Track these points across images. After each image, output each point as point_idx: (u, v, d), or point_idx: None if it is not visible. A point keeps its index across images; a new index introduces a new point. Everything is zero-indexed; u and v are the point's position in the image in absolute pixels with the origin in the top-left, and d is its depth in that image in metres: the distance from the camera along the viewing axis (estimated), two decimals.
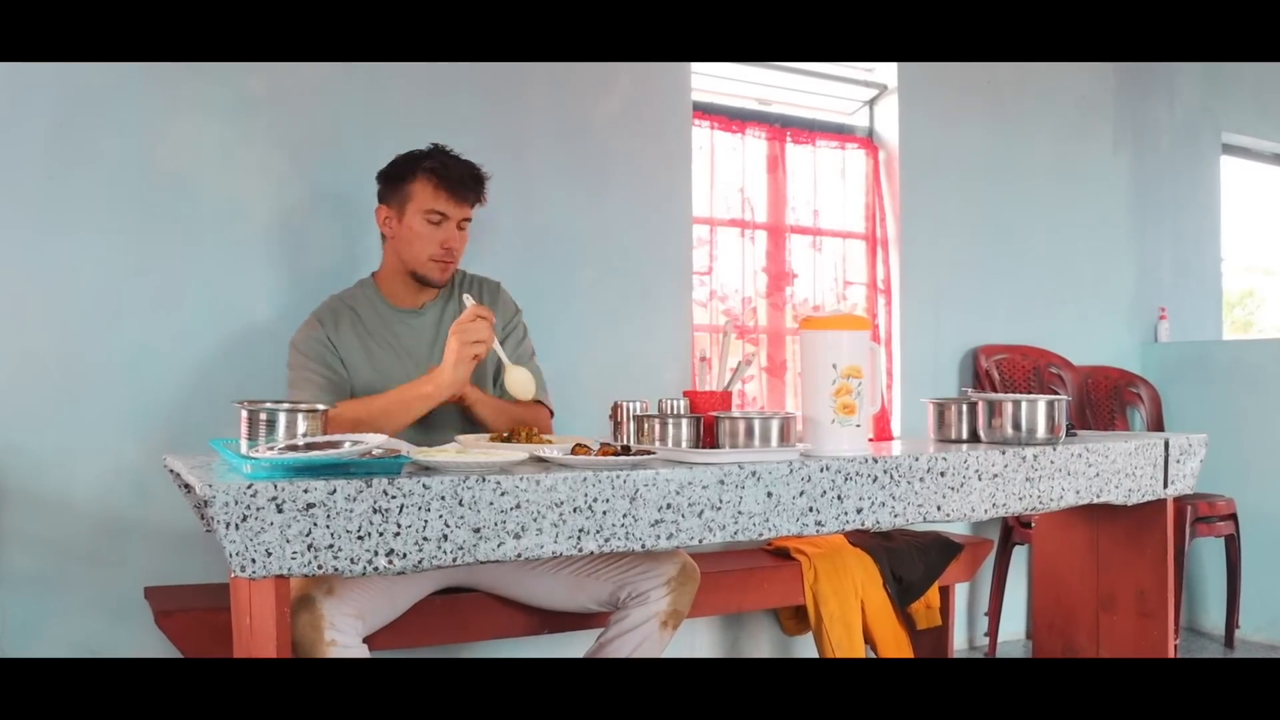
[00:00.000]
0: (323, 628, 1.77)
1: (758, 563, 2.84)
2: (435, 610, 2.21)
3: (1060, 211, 3.95)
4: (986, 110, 3.77)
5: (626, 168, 3.06)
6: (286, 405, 1.72)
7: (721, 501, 1.74)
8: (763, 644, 3.28)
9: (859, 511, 1.88)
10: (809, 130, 3.52)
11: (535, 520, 1.59)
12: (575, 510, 1.62)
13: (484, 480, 1.56)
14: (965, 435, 2.30)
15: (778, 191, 3.45)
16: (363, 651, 1.84)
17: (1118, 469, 2.24)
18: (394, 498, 1.50)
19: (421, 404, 2.06)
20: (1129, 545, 2.46)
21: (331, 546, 1.46)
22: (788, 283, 3.45)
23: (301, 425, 1.71)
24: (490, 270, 2.45)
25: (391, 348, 2.25)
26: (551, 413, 2.35)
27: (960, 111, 3.71)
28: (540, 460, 1.75)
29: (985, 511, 2.05)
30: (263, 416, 1.70)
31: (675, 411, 1.99)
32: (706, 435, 1.94)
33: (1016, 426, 2.18)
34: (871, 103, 3.67)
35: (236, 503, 1.41)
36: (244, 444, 1.70)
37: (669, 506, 1.69)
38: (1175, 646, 2.66)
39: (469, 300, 2.10)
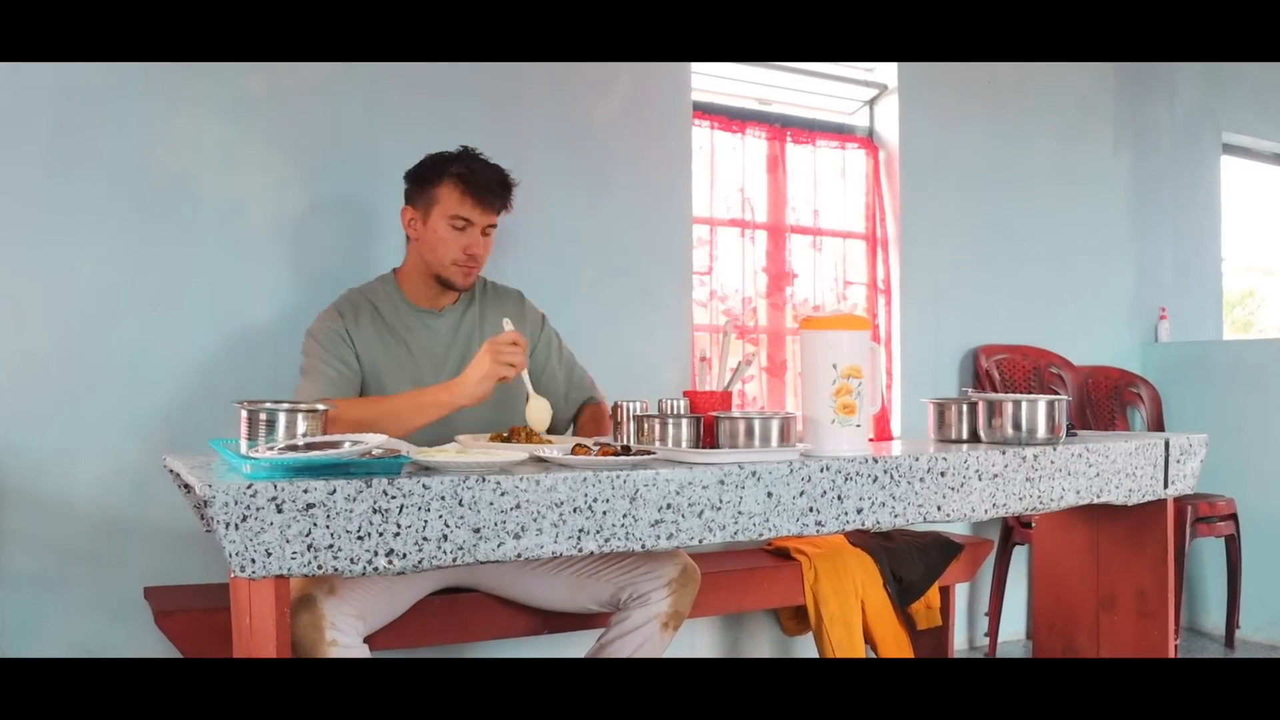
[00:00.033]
0: (323, 628, 1.77)
1: (758, 563, 2.84)
2: (435, 610, 2.21)
3: (1060, 211, 3.95)
4: (987, 110, 3.77)
5: (626, 168, 3.06)
6: (286, 405, 1.72)
7: (721, 501, 1.74)
8: (763, 644, 3.28)
9: (859, 511, 1.88)
10: (809, 130, 3.52)
11: (535, 520, 1.59)
12: (575, 510, 1.62)
13: (484, 480, 1.56)
14: (965, 435, 2.30)
15: (778, 191, 3.45)
16: (363, 651, 1.84)
17: (1118, 469, 2.24)
18: (394, 498, 1.50)
19: (436, 411, 2.04)
20: (1129, 545, 2.46)
21: (331, 546, 1.46)
22: (788, 283, 3.45)
23: (301, 425, 1.71)
24: (490, 270, 2.45)
25: (408, 346, 2.23)
26: (604, 399, 2.41)
27: (960, 111, 3.71)
28: (540, 460, 1.75)
29: (985, 512, 2.05)
30: (262, 416, 1.70)
31: (675, 411, 1.99)
32: (706, 435, 1.94)
33: (1017, 426, 2.18)
34: (872, 103, 3.66)
35: (236, 503, 1.41)
36: (244, 444, 1.70)
37: (669, 507, 1.69)
38: (1175, 647, 2.66)
39: (508, 324, 2.09)
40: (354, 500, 1.47)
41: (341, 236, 2.67)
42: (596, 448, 1.77)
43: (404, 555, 1.51)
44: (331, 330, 2.18)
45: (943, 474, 1.97)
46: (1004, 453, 2.07)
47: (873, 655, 2.92)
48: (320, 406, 1.77)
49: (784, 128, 3.46)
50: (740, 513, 1.76)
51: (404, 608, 2.06)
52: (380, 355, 2.20)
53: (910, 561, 2.95)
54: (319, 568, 1.46)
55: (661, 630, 2.07)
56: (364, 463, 1.56)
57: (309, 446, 1.59)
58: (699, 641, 3.17)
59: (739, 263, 3.37)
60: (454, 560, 1.54)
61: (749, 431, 1.87)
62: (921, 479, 1.95)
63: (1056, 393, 3.72)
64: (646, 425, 1.93)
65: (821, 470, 1.83)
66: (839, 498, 1.85)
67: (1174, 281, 4.29)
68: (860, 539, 2.97)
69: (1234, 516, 3.58)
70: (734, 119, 3.37)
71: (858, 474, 1.87)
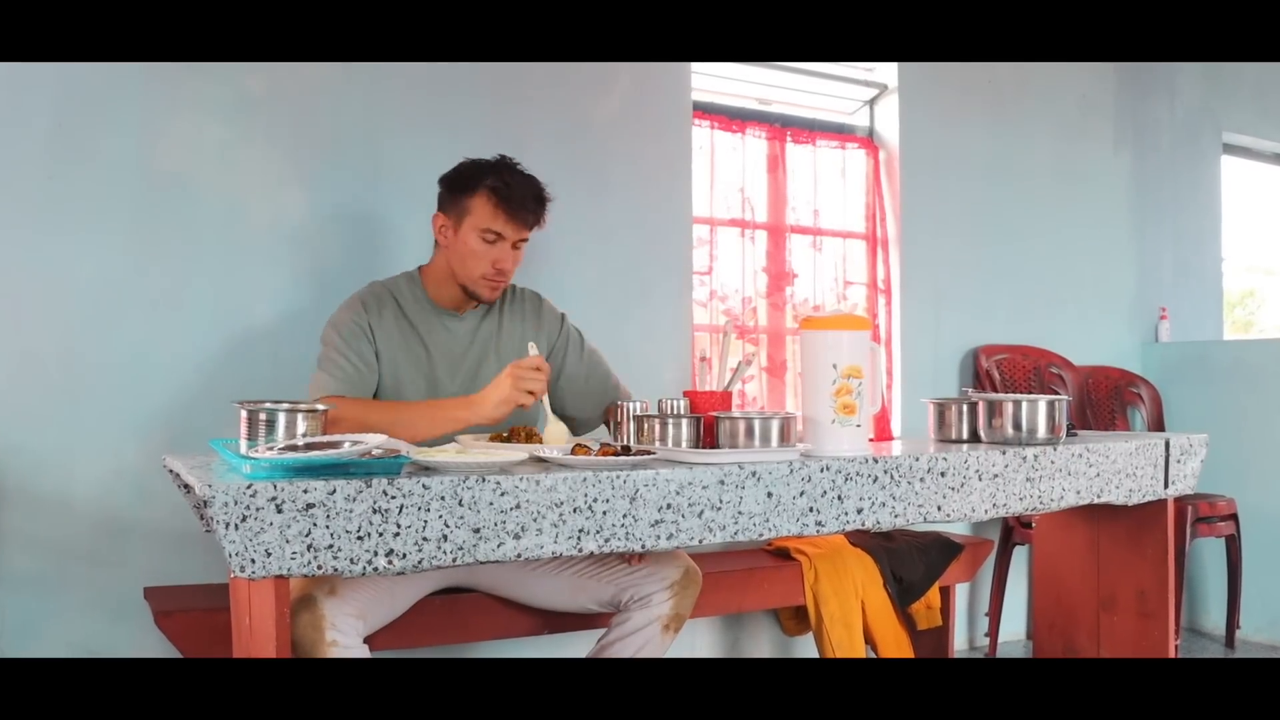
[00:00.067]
0: (324, 628, 1.77)
1: (758, 563, 2.84)
2: (436, 611, 2.21)
3: (1061, 211, 3.94)
4: (987, 110, 3.77)
5: (626, 168, 3.06)
6: (286, 405, 1.72)
7: (721, 502, 1.74)
8: (763, 644, 3.28)
9: (859, 512, 1.88)
10: (809, 130, 3.52)
11: (535, 520, 1.59)
12: (575, 510, 1.62)
13: (484, 480, 1.56)
14: (966, 435, 2.30)
15: (778, 191, 3.45)
16: (363, 652, 1.84)
17: (1118, 469, 2.24)
18: (394, 498, 1.50)
19: (451, 425, 2.01)
20: (1129, 545, 2.46)
21: (331, 547, 1.46)
22: (788, 283, 3.45)
23: (301, 425, 1.71)
24: None
25: (426, 345, 2.21)
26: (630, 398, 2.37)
27: (961, 111, 3.71)
28: (540, 460, 1.75)
29: (986, 512, 2.05)
30: (262, 417, 1.70)
31: (675, 411, 1.99)
32: (706, 435, 1.94)
33: (1017, 426, 2.18)
34: (872, 102, 3.66)
35: (236, 503, 1.41)
36: (243, 444, 1.70)
37: (669, 507, 1.69)
38: (1176, 647, 2.66)
39: (533, 349, 2.06)
40: (354, 500, 1.47)
41: (341, 236, 2.66)
42: (597, 448, 1.77)
43: (404, 555, 1.51)
44: (354, 323, 2.15)
45: (943, 474, 1.97)
46: (1004, 453, 2.07)
47: (873, 655, 2.92)
48: (320, 407, 1.77)
49: (784, 128, 3.46)
50: (740, 513, 1.76)
51: (404, 608, 2.06)
52: (399, 350, 2.18)
53: (910, 561, 2.95)
54: (319, 568, 1.46)
55: (663, 632, 2.06)
56: (364, 463, 1.56)
57: (309, 447, 1.59)
58: (699, 641, 3.17)
59: (739, 263, 3.36)
60: (454, 560, 1.54)
61: (749, 431, 1.87)
62: (922, 479, 1.95)
63: (1057, 393, 3.71)
64: (646, 425, 1.93)
65: (822, 470, 1.83)
66: (839, 498, 1.85)
67: (1174, 281, 4.29)
68: (860, 539, 2.97)
69: (1234, 516, 3.58)
70: (734, 119, 3.37)
71: (858, 474, 1.87)
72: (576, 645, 2.79)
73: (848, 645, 2.80)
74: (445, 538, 1.53)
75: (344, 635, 1.79)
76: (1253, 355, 3.93)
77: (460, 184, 2.20)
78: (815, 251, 3.52)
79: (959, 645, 3.58)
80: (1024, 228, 3.85)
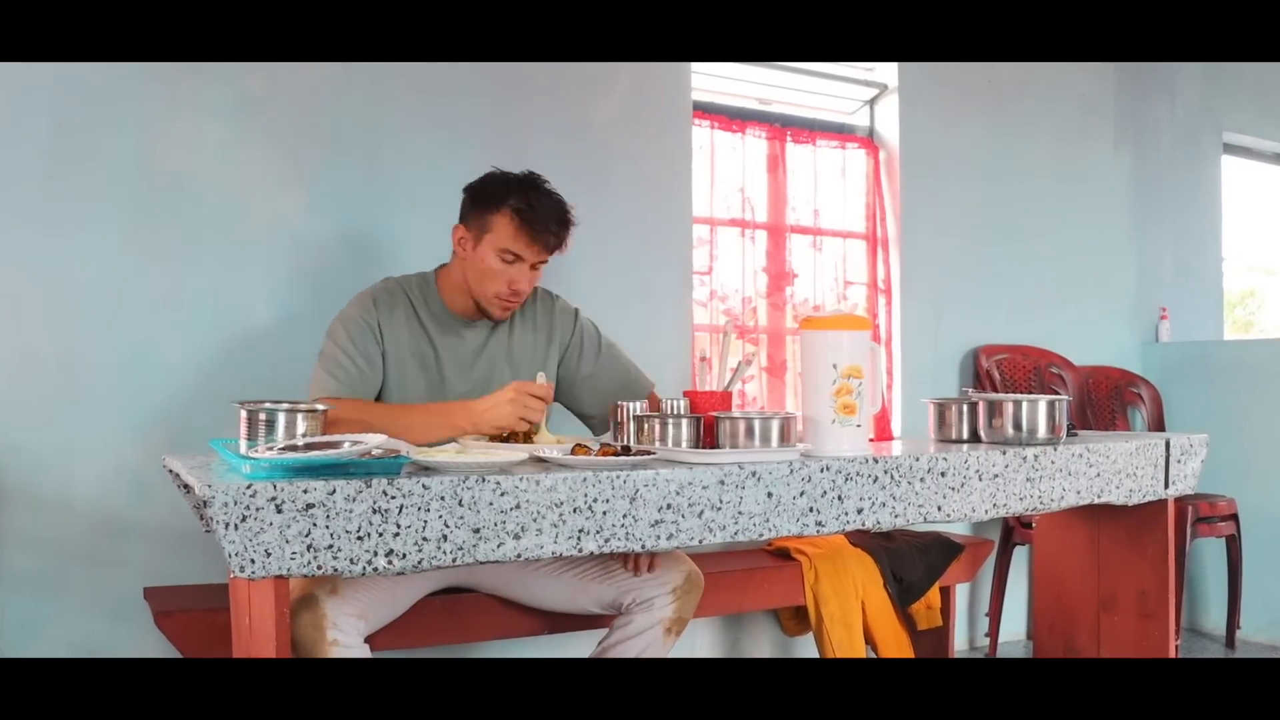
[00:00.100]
0: (325, 627, 1.77)
1: (758, 563, 2.84)
2: (436, 611, 2.21)
3: (1061, 211, 3.94)
4: (987, 110, 3.77)
5: (626, 168, 3.06)
6: (286, 405, 1.72)
7: (722, 502, 1.74)
8: (763, 644, 3.28)
9: (859, 512, 1.88)
10: (809, 130, 3.52)
11: (535, 520, 1.59)
12: (575, 510, 1.62)
13: (484, 480, 1.56)
14: (966, 435, 2.29)
15: (778, 191, 3.45)
16: (364, 651, 1.84)
17: (1119, 469, 2.24)
18: (393, 498, 1.50)
19: (445, 432, 1.99)
20: (1130, 545, 2.46)
21: (331, 547, 1.46)
22: (788, 282, 3.45)
23: (301, 425, 1.71)
24: None
25: (435, 348, 2.20)
26: (653, 386, 2.41)
27: (961, 111, 3.71)
28: (540, 460, 1.75)
29: (986, 512, 2.05)
30: (262, 417, 1.70)
31: (675, 411, 1.99)
32: (706, 435, 1.94)
33: (1017, 426, 2.18)
34: (872, 102, 3.66)
35: (236, 503, 1.41)
36: (243, 444, 1.70)
37: (669, 507, 1.69)
38: (1176, 647, 2.66)
39: (542, 377, 2.03)
40: (354, 500, 1.47)
41: (341, 236, 2.66)
42: (597, 448, 1.77)
43: (404, 555, 1.51)
44: (363, 320, 2.13)
45: (943, 474, 1.97)
46: (1004, 453, 2.07)
47: (873, 655, 2.92)
48: (320, 407, 1.77)
49: (784, 127, 3.46)
50: (740, 513, 1.75)
51: (404, 607, 2.06)
52: (407, 352, 2.17)
53: (911, 562, 2.95)
54: (318, 568, 1.46)
55: (665, 635, 2.06)
56: (364, 463, 1.56)
57: (308, 447, 1.59)
58: (699, 642, 3.17)
59: (739, 263, 3.36)
60: (454, 560, 1.54)
61: (749, 431, 1.87)
62: (922, 479, 1.95)
63: (1057, 393, 3.71)
64: (646, 425, 1.93)
65: (822, 470, 1.83)
66: (839, 498, 1.85)
67: (1174, 281, 4.28)
68: (861, 539, 2.97)
69: (1234, 517, 3.58)
70: (734, 119, 3.37)
71: (858, 474, 1.87)
72: (577, 646, 2.79)
73: (848, 645, 2.80)
74: (445, 538, 1.53)
75: (345, 635, 1.79)
76: (1253, 355, 3.93)
77: (484, 199, 2.15)
78: (815, 251, 3.52)
79: (959, 645, 3.58)
80: (1024, 228, 3.85)
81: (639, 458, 1.73)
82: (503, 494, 1.57)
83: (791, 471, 1.80)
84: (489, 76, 2.84)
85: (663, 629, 2.06)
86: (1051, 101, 3.92)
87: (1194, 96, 4.35)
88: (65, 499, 2.37)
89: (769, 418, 1.88)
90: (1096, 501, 2.22)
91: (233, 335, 2.53)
